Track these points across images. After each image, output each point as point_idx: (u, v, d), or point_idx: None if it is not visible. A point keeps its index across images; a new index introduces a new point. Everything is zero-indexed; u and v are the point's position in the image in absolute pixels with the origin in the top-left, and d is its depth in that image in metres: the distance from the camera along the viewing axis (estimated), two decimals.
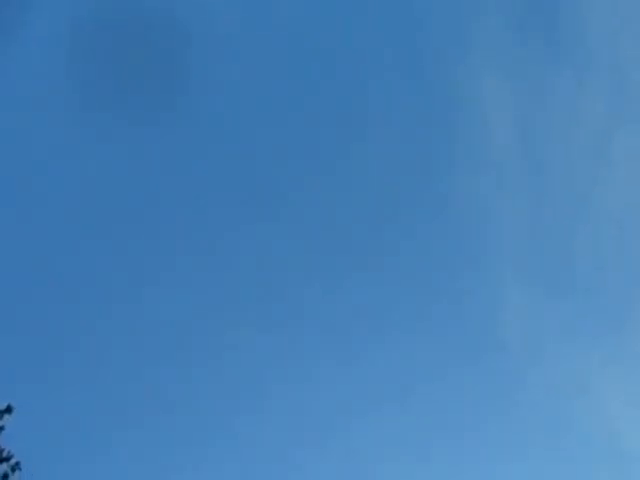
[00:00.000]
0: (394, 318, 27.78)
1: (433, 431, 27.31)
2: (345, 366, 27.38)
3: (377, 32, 28.97)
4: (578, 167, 28.83)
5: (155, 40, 26.47)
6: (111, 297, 26.48)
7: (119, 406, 25.65)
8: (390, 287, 27.80)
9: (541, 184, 28.81)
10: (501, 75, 28.76)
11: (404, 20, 29.15)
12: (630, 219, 28.75)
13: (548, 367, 27.66)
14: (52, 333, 26.13)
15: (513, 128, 28.58)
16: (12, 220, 25.96)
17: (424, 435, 27.18)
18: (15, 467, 21.01)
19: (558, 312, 28.14)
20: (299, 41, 28.43)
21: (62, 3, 26.55)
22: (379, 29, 29.05)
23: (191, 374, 26.39)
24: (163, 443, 26.00)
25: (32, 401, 24.10)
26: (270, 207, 28.11)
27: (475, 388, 27.52)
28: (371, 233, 28.16)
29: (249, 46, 27.94)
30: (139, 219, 27.43)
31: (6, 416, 20.70)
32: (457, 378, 27.55)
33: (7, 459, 20.60)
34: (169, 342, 26.47)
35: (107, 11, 26.19)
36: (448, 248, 28.38)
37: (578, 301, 28.38)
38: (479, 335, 27.72)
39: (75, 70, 25.84)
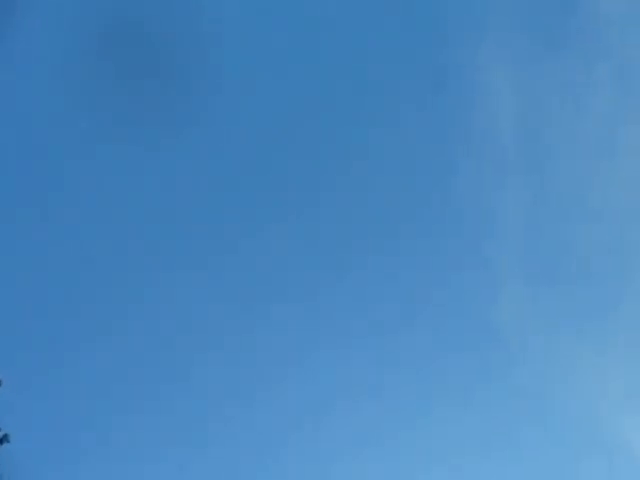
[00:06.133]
0: (391, 311, 28.45)
1: (421, 420, 27.95)
2: (346, 357, 28.16)
3: (383, 25, 29.49)
4: (581, 161, 29.00)
5: (161, 40, 27.25)
6: (112, 297, 27.43)
7: (111, 401, 26.58)
8: (388, 282, 28.47)
9: (543, 178, 29.06)
10: (506, 68, 29.01)
11: (415, 12, 29.62)
12: (633, 213, 28.82)
13: (541, 357, 28.02)
14: (48, 332, 27.22)
15: (516, 123, 28.86)
16: (12, 221, 26.78)
17: (412, 424, 27.83)
18: (3, 439, 22.33)
19: (554, 305, 28.46)
20: (307, 38, 29.11)
21: (64, 4, 27.44)
22: (386, 22, 29.58)
23: (186, 369, 27.30)
24: (150, 441, 26.81)
25: (27, 400, 25.08)
26: (282, 206, 28.88)
27: (466, 378, 28.05)
28: (365, 232, 28.85)
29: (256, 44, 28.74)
30: (143, 219, 28.34)
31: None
32: (448, 368, 28.13)
33: None
34: (165, 339, 27.45)
35: (111, 11, 27.06)
36: (448, 243, 28.93)
37: (574, 294, 28.66)
38: (475, 325, 28.27)
39: (77, 71, 26.66)
